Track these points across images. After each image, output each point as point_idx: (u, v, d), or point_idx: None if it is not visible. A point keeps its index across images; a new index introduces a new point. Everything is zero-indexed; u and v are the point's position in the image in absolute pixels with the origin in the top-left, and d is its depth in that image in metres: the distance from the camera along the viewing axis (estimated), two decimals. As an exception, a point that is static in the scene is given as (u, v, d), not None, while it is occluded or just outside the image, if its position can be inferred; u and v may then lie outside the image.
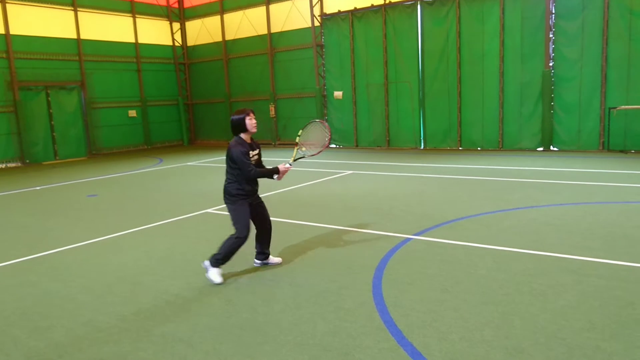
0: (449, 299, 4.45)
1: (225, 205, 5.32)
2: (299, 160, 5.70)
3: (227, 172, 5.28)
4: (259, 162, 5.44)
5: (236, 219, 5.23)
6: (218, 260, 5.20)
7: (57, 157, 18.96)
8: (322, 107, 19.36)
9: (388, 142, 17.89)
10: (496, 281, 4.81)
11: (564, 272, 4.96)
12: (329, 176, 11.84)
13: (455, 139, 16.46)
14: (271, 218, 5.64)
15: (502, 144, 15.62)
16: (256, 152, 5.36)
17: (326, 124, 5.98)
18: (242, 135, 5.23)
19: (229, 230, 5.81)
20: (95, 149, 20.41)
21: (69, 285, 5.33)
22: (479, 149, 16.05)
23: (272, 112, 20.93)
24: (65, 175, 14.66)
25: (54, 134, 18.86)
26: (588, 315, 3.99)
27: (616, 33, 13.45)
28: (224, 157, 5.42)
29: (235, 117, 5.23)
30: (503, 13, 15.00)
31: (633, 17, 13.17)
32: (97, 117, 20.51)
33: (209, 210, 8.73)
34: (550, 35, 14.39)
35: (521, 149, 15.24)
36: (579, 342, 3.60)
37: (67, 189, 12.01)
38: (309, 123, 5.90)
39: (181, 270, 5.64)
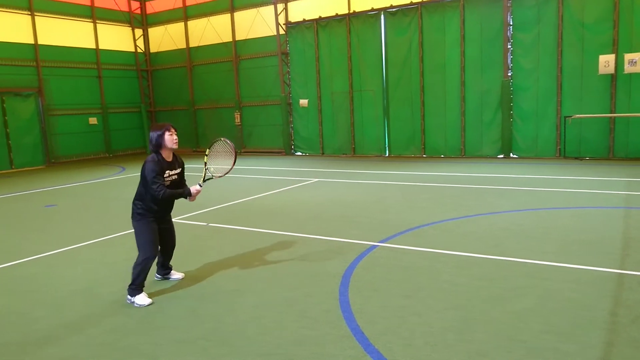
0: (413, 305, 4.52)
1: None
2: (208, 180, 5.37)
3: (138, 186, 4.92)
4: (177, 182, 5.03)
5: (139, 240, 4.88)
6: (135, 288, 4.86)
7: (13, 166, 18.30)
8: (288, 114, 19.38)
9: (353, 150, 18.05)
10: (458, 286, 4.92)
11: (522, 276, 5.11)
12: (294, 184, 11.84)
13: (419, 147, 16.76)
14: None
15: (464, 151, 15.99)
16: (176, 171, 5.01)
17: (230, 142, 5.56)
18: (162, 152, 4.83)
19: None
20: (54, 157, 19.80)
21: (22, 300, 5.14)
22: (442, 156, 16.38)
23: (237, 120, 20.83)
24: (22, 184, 14.15)
25: (9, 142, 18.22)
26: (546, 318, 4.13)
27: (569, 45, 14.01)
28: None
29: (154, 132, 4.82)
30: (463, 24, 15.41)
31: (585, 30, 13.76)
32: (56, 124, 19.92)
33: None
34: (508, 46, 14.88)
35: (482, 156, 15.64)
36: (537, 344, 3.72)
37: (24, 199, 11.59)
38: (215, 142, 5.50)
39: (144, 281, 5.51)
